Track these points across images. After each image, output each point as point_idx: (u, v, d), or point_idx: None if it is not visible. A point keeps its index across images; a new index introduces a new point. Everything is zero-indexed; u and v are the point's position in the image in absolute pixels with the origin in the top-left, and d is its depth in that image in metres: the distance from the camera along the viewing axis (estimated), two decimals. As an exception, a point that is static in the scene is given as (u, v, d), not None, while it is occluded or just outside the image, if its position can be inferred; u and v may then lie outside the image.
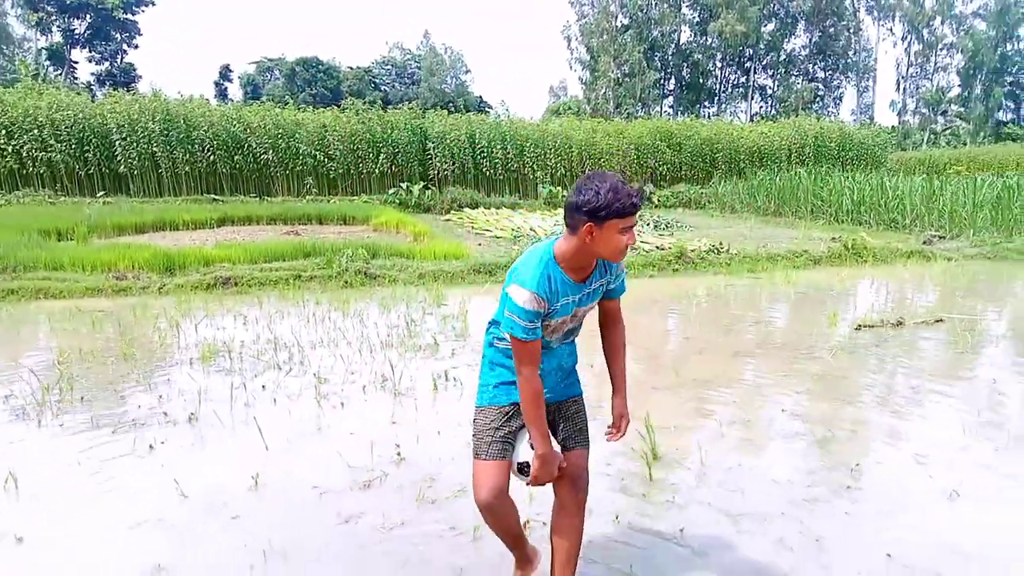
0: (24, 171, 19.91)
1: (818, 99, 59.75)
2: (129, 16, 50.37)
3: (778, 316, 8.21)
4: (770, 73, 61.58)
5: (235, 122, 22.00)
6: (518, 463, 2.54)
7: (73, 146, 20.17)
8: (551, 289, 2.37)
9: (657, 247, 12.18)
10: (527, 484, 2.55)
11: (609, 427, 2.69)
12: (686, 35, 58.47)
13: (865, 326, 7.25)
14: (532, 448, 2.47)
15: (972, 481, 3.72)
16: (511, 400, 2.55)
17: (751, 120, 52.55)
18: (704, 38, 56.94)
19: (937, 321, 7.49)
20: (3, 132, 19.69)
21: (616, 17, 54.96)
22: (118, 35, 50.43)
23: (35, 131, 19.79)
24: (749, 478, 3.79)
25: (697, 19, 56.96)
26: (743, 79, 61.46)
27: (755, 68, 59.93)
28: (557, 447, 2.58)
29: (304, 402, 4.93)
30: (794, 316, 8.13)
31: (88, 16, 47.73)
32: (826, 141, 28.66)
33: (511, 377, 2.54)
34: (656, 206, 23.25)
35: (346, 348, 6.26)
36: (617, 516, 3.35)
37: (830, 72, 61.60)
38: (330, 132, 22.79)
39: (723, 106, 62.26)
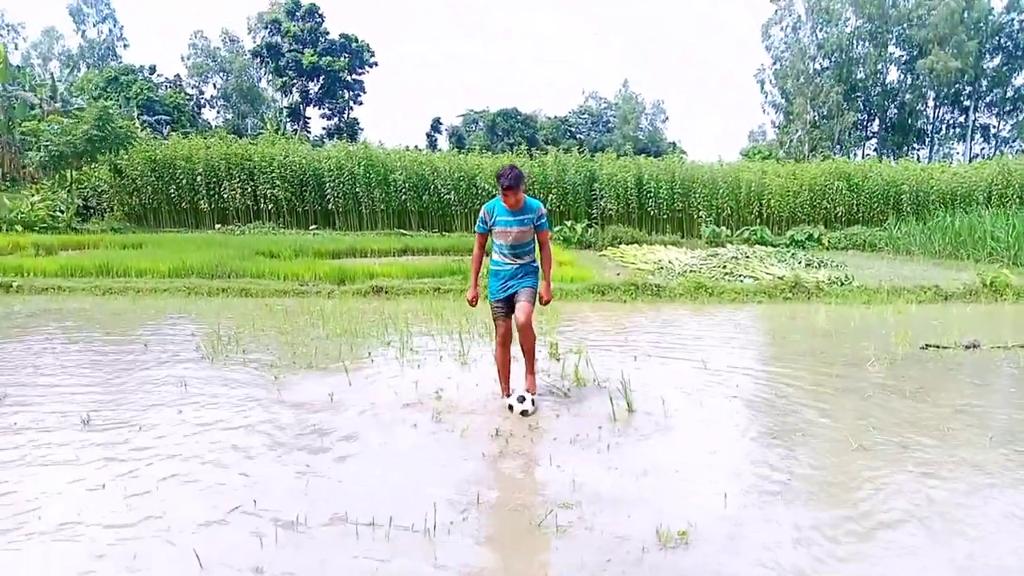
0: (257, 207, 24.21)
1: (1055, 138, 53.40)
2: (355, 76, 57.77)
3: (851, 334, 8.49)
4: (994, 111, 56.35)
5: (424, 166, 24.97)
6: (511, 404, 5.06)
7: (294, 187, 24.16)
8: (494, 210, 5.21)
9: (779, 278, 12.55)
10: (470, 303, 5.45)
11: (540, 297, 5.31)
12: (893, 74, 55.25)
13: (933, 346, 7.48)
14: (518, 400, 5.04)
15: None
16: (496, 297, 5.29)
17: (970, 162, 48.33)
18: (914, 76, 53.36)
19: (1020, 347, 7.49)
20: (245, 176, 24.10)
21: (814, 59, 53.56)
22: (345, 94, 57.95)
23: (267, 174, 23.99)
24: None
25: (905, 57, 53.63)
26: (960, 119, 56.69)
27: (975, 106, 55.15)
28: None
29: (392, 362, 6.48)
30: (868, 335, 8.37)
31: (320, 78, 55.54)
32: (1039, 183, 26.09)
33: (495, 287, 5.29)
34: (825, 248, 22.76)
35: (445, 335, 7.77)
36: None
37: (1071, 108, 54.94)
38: (506, 174, 24.99)
39: (936, 148, 57.68)
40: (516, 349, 5.49)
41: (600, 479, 3.97)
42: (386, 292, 11.04)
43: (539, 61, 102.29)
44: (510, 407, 5.06)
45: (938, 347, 7.49)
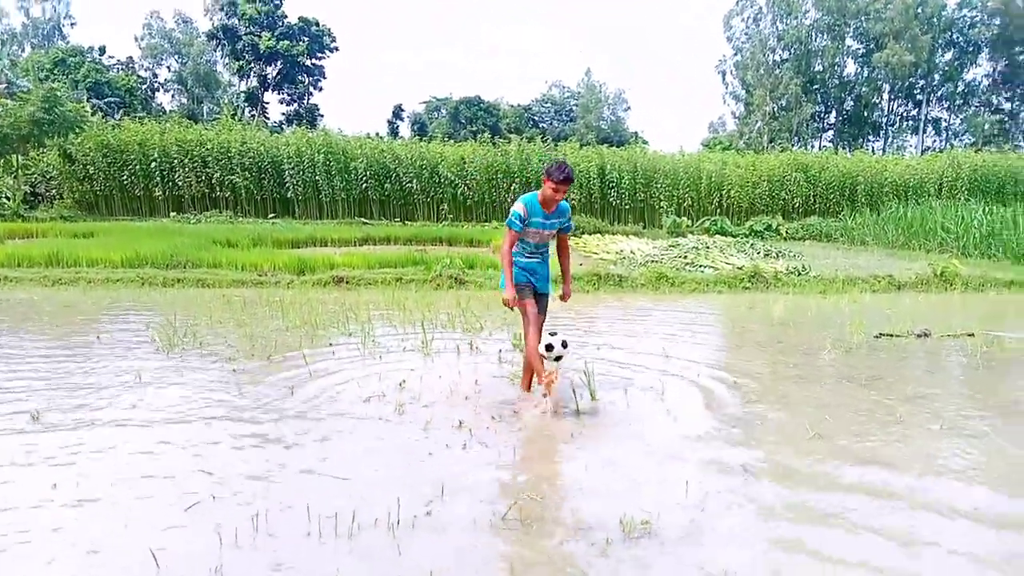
0: (213, 195, 23.74)
1: (1003, 132, 54.97)
2: (314, 62, 56.76)
3: (808, 323, 8.66)
4: (945, 105, 57.86)
5: (386, 154, 24.71)
6: (545, 345, 4.91)
7: (252, 174, 23.71)
8: (532, 208, 4.90)
9: (739, 268, 12.73)
10: (508, 305, 5.06)
11: (559, 296, 5.33)
12: (850, 67, 56.28)
13: (886, 335, 7.66)
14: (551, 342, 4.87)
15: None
16: (519, 280, 5.05)
17: (922, 155, 49.58)
18: (870, 69, 54.39)
19: (968, 335, 7.71)
20: (200, 163, 23.55)
21: (774, 51, 54.31)
22: (305, 79, 56.91)
23: (224, 161, 23.49)
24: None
25: (862, 50, 54.68)
26: (913, 112, 58.08)
27: (928, 100, 56.55)
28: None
29: (353, 353, 6.40)
30: (824, 324, 8.55)
31: (279, 63, 54.43)
32: (986, 175, 26.86)
33: (521, 276, 5.07)
34: (783, 238, 23.17)
35: (407, 326, 7.71)
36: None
37: (1018, 103, 56.61)
38: (468, 163, 24.90)
39: (890, 140, 59.03)
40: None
41: (564, 470, 3.98)
42: (347, 282, 10.91)
43: (525, 79, 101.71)
44: (549, 347, 4.96)
45: (891, 336, 7.68)
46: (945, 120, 58.30)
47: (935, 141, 57.75)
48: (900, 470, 4.01)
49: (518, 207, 4.91)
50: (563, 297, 5.41)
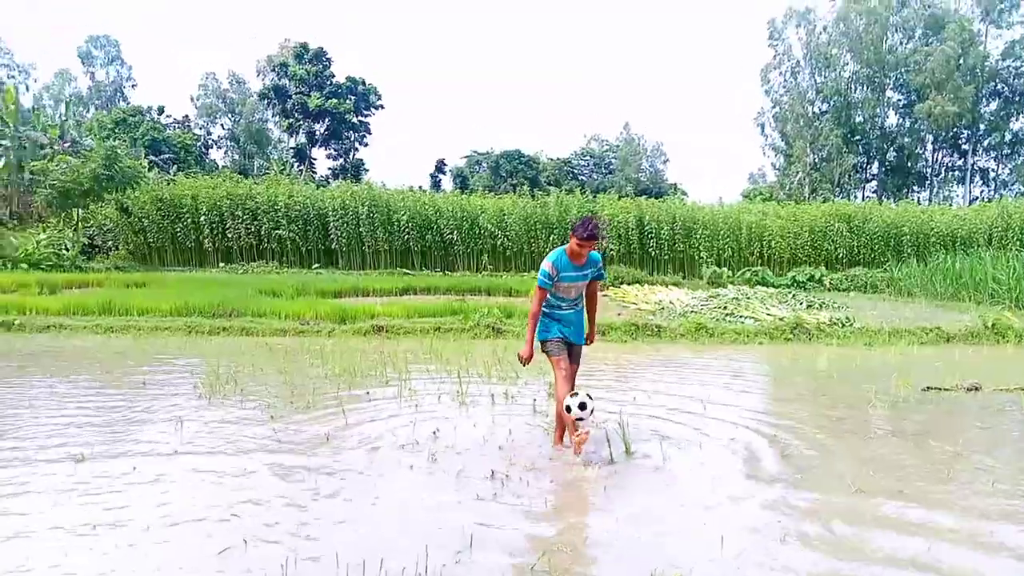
0: (260, 246, 24.39)
1: (1054, 182, 53.64)
2: (360, 119, 58.56)
3: (852, 376, 8.44)
4: (993, 155, 56.84)
5: (427, 206, 25.20)
6: (567, 406, 4.79)
7: (299, 226, 24.37)
8: (561, 264, 4.93)
9: (780, 319, 12.54)
10: (523, 361, 5.07)
11: (586, 338, 5.30)
12: (892, 118, 55.86)
13: (934, 388, 7.44)
14: (578, 402, 4.75)
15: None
16: (552, 336, 5.11)
17: (969, 205, 48.55)
18: (912, 120, 53.92)
19: (1021, 389, 7.43)
20: (250, 215, 24.31)
21: (813, 103, 54.33)
22: (351, 135, 58.67)
23: (272, 214, 24.21)
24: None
25: (903, 101, 54.34)
26: (959, 162, 57.16)
27: (974, 150, 55.65)
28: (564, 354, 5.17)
29: (390, 401, 6.46)
30: (870, 377, 8.31)
31: (327, 120, 56.31)
32: (1039, 225, 26.14)
33: (548, 325, 5.13)
34: (827, 289, 22.79)
35: (444, 374, 7.76)
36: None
37: (1069, 152, 55.33)
38: (508, 215, 25.22)
39: (936, 190, 58.01)
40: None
41: (596, 522, 3.93)
42: (386, 331, 11.05)
43: (543, 103, 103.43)
44: (568, 408, 4.85)
45: (940, 389, 7.45)
46: (993, 170, 57.17)
47: (983, 191, 56.61)
48: (949, 528, 3.86)
49: (546, 266, 4.97)
50: (586, 340, 5.40)
